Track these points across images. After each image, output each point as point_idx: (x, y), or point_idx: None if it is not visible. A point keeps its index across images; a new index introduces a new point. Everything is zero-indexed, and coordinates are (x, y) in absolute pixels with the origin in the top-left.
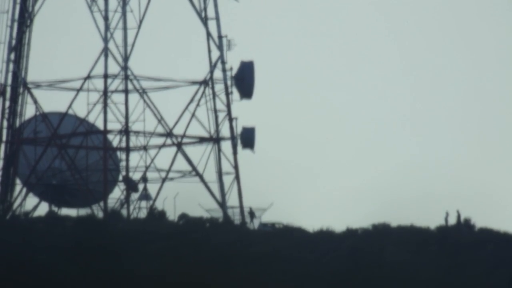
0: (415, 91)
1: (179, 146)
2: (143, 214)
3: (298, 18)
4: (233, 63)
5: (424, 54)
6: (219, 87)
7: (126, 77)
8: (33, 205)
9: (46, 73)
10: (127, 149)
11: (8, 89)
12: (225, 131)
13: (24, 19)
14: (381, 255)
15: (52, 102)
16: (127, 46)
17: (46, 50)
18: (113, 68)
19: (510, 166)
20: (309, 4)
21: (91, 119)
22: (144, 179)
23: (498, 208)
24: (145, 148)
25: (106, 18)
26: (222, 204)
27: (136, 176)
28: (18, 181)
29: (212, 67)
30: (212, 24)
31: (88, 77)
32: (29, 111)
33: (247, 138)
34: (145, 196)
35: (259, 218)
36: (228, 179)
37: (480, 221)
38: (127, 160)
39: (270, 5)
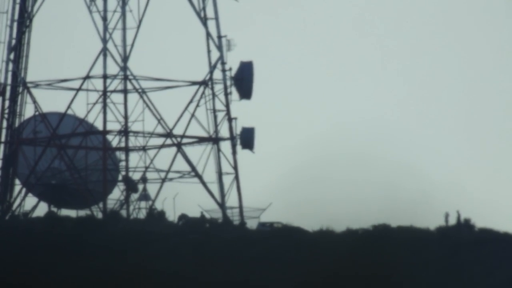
0: (415, 91)
1: (178, 146)
2: (142, 214)
3: (298, 19)
4: (233, 63)
5: (425, 55)
6: (219, 87)
7: (126, 77)
8: (32, 205)
9: (45, 73)
10: (127, 149)
11: (8, 88)
12: (224, 131)
13: (23, 19)
14: (381, 255)
15: (52, 102)
16: (126, 46)
17: (45, 50)
18: (113, 68)
19: (510, 166)
20: (308, 4)
21: (90, 119)
22: (144, 179)
23: (498, 208)
24: (144, 148)
25: (105, 19)
26: (222, 205)
27: (135, 176)
28: (17, 181)
29: (212, 68)
30: (211, 24)
31: (88, 77)
32: (29, 111)
33: (247, 138)
34: (145, 196)
35: (258, 218)
36: (227, 180)
37: (480, 221)
38: (127, 160)
39: (270, 5)
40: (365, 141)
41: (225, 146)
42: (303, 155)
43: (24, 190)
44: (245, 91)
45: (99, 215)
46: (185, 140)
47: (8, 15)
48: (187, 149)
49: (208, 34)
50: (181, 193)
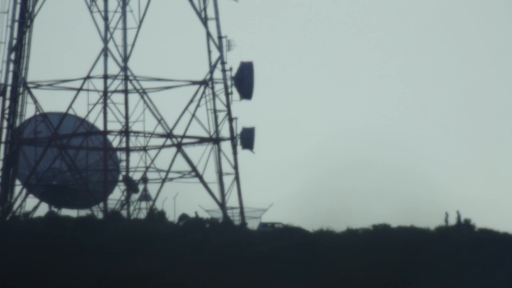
0: (414, 92)
1: (179, 146)
2: (143, 214)
3: (297, 19)
4: (233, 63)
5: (423, 56)
6: (219, 88)
7: (126, 77)
8: (33, 206)
9: (46, 73)
10: (127, 150)
11: (8, 89)
12: (225, 132)
13: (24, 19)
14: (381, 255)
15: (52, 102)
16: (127, 46)
17: (46, 50)
18: (113, 69)
19: (509, 166)
20: (308, 5)
21: (91, 119)
22: (144, 179)
23: (498, 208)
24: (145, 148)
25: (105, 19)
26: (222, 205)
27: (136, 176)
28: (18, 181)
29: (212, 68)
30: (211, 25)
31: (88, 77)
32: (29, 111)
33: (247, 138)
34: (145, 196)
35: (259, 219)
36: (228, 180)
37: (480, 222)
38: (127, 160)
39: (270, 5)
40: (365, 141)
41: (226, 146)
42: (303, 155)
43: (24, 190)
44: (246, 91)
45: (100, 215)
46: (185, 140)
47: (9, 15)
48: (188, 149)
49: (209, 34)
50: (182, 193)
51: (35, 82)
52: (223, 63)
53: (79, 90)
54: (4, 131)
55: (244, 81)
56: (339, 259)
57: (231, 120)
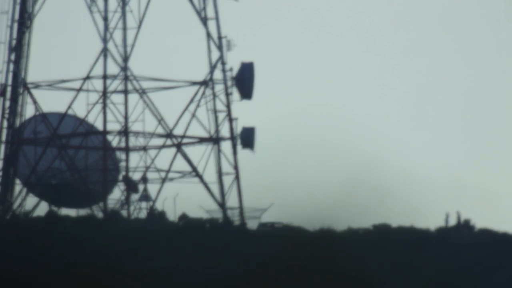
0: (414, 91)
1: (179, 146)
2: (143, 214)
3: (298, 19)
4: (233, 63)
5: (425, 56)
6: (219, 88)
7: (126, 78)
8: (33, 205)
9: (46, 73)
10: (127, 150)
11: (8, 89)
12: (225, 132)
13: (24, 20)
14: (381, 255)
15: (52, 102)
16: (126, 46)
17: (46, 50)
18: (113, 69)
19: (510, 166)
20: (309, 5)
21: (90, 119)
22: (144, 179)
23: (498, 209)
24: (145, 148)
25: (105, 19)
26: (222, 205)
27: (136, 176)
28: (18, 181)
29: (212, 68)
30: (212, 25)
31: (88, 77)
32: (29, 111)
33: (247, 138)
34: (145, 196)
35: (259, 219)
36: (228, 180)
37: (480, 222)
38: (127, 160)
39: (270, 5)
40: (365, 142)
41: (226, 146)
42: (303, 155)
43: (24, 190)
44: (246, 92)
45: (100, 215)
46: (185, 140)
47: (9, 15)
48: (188, 149)
49: (209, 35)
50: (182, 193)
51: (35, 82)
52: (223, 63)
53: (78, 90)
54: (4, 131)
55: (244, 81)
56: (339, 259)
57: (231, 120)
